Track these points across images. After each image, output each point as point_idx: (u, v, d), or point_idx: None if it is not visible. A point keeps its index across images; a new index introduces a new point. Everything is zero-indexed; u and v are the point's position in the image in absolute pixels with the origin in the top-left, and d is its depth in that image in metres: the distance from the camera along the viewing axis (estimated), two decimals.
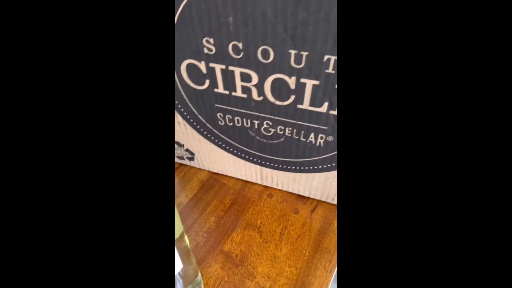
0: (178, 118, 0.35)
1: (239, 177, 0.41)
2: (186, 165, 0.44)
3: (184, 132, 0.37)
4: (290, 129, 0.30)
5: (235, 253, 0.34)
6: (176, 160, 0.44)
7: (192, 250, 0.32)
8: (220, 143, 0.36)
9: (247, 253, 0.34)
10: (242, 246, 0.34)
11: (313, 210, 0.38)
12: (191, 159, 0.42)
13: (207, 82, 0.28)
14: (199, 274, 0.28)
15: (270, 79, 0.25)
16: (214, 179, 0.42)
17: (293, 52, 0.23)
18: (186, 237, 0.26)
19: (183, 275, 0.26)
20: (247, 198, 0.40)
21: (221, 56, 0.25)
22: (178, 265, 0.23)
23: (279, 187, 0.40)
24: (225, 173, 0.42)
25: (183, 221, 0.37)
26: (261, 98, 0.27)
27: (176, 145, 0.41)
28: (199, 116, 0.33)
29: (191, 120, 0.34)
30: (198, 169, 0.44)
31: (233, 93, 0.28)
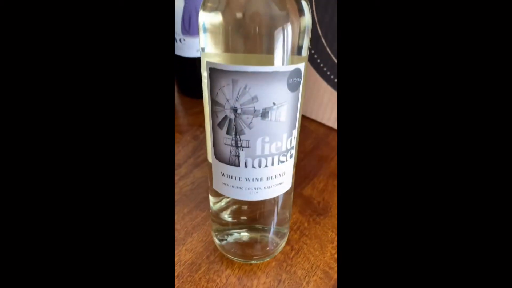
0: None
1: (324, 121, 0.35)
2: None
3: None
4: None
5: (317, 200, 0.28)
6: None
7: None
8: (328, 72, 0.30)
9: (331, 204, 0.28)
10: (326, 195, 0.29)
11: None
12: None
13: None
14: (289, 221, 0.23)
15: None
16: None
17: None
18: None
19: (282, 204, 0.21)
20: (332, 147, 0.34)
21: None
22: (289, 183, 0.20)
23: None
24: (307, 115, 0.36)
25: None
26: None
27: None
28: (318, 26, 0.27)
29: None
30: None
31: None
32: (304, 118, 0.36)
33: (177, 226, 0.25)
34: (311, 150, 0.33)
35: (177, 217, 0.26)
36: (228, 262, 0.22)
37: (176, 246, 0.24)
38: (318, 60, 0.29)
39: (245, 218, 0.21)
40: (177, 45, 0.35)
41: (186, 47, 0.34)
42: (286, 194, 0.20)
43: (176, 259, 0.23)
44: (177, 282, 0.21)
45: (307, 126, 0.35)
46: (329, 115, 0.34)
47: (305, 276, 0.22)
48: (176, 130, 0.37)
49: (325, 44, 0.27)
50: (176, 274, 0.22)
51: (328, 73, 0.29)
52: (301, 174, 0.30)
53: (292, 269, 0.23)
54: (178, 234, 0.24)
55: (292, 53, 0.15)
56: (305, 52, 0.16)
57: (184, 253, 0.23)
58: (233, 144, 0.16)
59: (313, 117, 0.35)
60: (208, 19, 0.15)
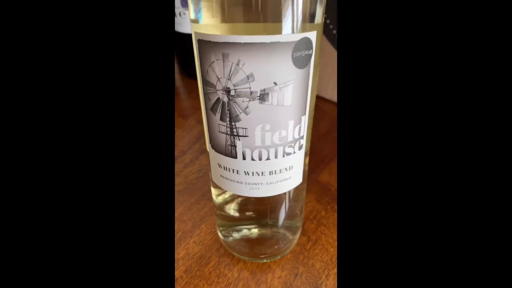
0: None
1: None
2: None
3: None
4: None
5: (335, 187, 0.26)
6: None
7: None
8: None
9: None
10: None
11: None
12: None
13: None
14: (302, 215, 0.21)
15: None
16: None
17: None
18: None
19: (293, 198, 0.18)
20: None
21: None
22: (298, 178, 0.17)
23: None
24: (321, 94, 0.33)
25: None
26: None
27: None
28: None
29: None
30: None
31: None
32: (317, 98, 0.34)
33: (184, 218, 0.23)
34: (327, 133, 0.30)
35: (183, 208, 0.24)
36: None
37: (183, 239, 0.22)
38: (334, 31, 0.26)
39: (252, 212, 0.19)
40: (177, 20, 0.32)
41: (187, 22, 0.31)
42: (297, 188, 0.18)
43: (183, 252, 0.21)
44: (185, 277, 0.20)
45: (321, 107, 0.33)
46: None
47: (324, 269, 0.20)
48: (179, 114, 0.35)
49: None
50: (184, 269, 0.20)
51: None
52: (317, 158, 0.28)
53: (309, 261, 0.21)
54: (185, 226, 0.23)
55: (303, 20, 0.12)
56: (318, 18, 0.12)
57: (192, 246, 0.21)
58: (228, 132, 0.14)
59: (327, 97, 0.33)
60: None
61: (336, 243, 0.22)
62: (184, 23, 0.32)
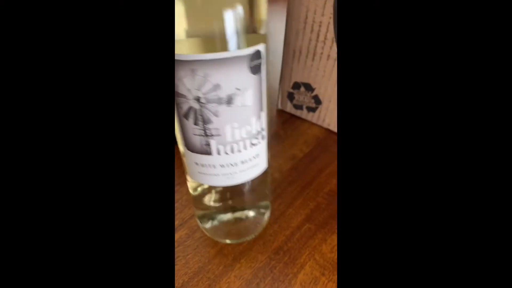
0: (327, 50, 0.30)
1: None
2: (298, 118, 0.39)
3: (326, 69, 0.32)
4: None
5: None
6: (290, 110, 0.39)
7: (312, 211, 0.26)
8: None
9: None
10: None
11: None
12: (312, 110, 0.37)
13: None
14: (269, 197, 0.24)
15: None
16: (333, 140, 0.35)
17: None
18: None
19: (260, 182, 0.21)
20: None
21: None
22: (264, 164, 0.19)
23: None
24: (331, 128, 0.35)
25: (299, 175, 0.30)
26: None
27: (302, 88, 0.37)
28: None
29: None
30: (311, 124, 0.38)
31: None
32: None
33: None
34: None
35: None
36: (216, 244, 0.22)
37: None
38: None
39: (226, 199, 0.21)
40: None
41: None
42: (264, 172, 0.20)
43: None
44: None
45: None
46: None
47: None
48: None
49: None
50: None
51: None
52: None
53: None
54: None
55: (250, 32, 0.14)
56: (263, 30, 0.15)
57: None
58: (203, 134, 0.16)
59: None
60: None
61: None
62: None
